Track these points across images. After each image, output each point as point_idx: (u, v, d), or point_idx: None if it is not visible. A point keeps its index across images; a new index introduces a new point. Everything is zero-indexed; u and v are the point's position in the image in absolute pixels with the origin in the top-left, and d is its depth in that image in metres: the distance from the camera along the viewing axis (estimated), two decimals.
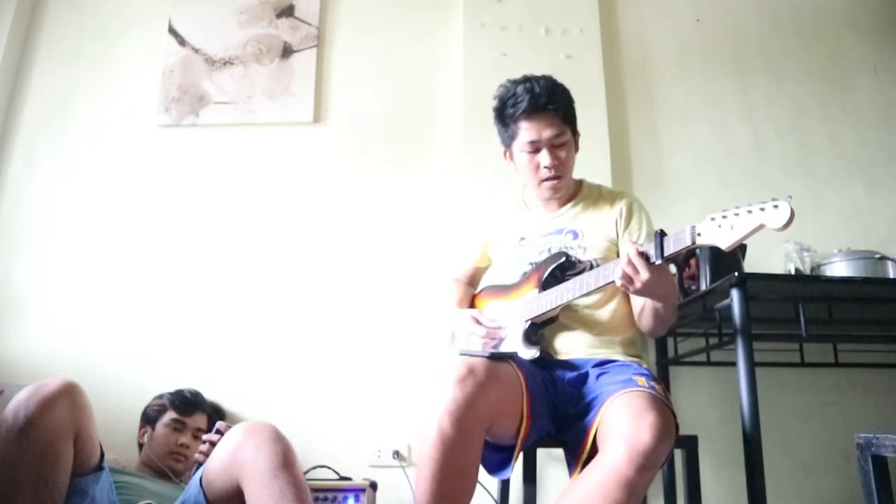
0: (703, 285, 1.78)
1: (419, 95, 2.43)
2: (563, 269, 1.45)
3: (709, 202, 2.26)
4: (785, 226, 1.06)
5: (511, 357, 1.35)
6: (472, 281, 1.77)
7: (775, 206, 1.08)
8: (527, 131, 1.49)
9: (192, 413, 1.83)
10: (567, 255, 1.46)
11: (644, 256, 1.22)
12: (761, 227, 1.09)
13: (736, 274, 1.49)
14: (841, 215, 2.28)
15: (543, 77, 1.51)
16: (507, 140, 1.56)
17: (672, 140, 2.38)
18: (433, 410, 1.15)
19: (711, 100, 2.42)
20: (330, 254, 2.26)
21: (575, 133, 1.55)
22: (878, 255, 1.85)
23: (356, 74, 2.47)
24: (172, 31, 2.51)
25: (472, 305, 1.69)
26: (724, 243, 1.13)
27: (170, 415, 1.80)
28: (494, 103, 1.55)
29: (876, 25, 2.55)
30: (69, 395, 1.18)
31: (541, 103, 1.46)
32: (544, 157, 1.48)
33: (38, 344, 2.18)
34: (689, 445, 1.43)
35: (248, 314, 2.20)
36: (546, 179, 1.51)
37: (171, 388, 1.91)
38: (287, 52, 2.47)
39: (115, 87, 2.48)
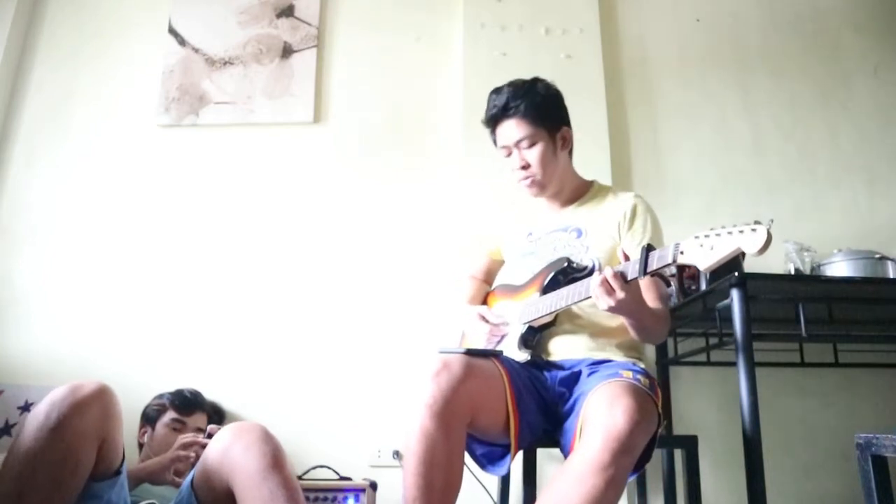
0: (703, 285, 1.78)
1: (419, 95, 2.43)
2: (565, 274, 1.45)
3: (709, 202, 2.28)
4: (761, 251, 1.06)
5: (494, 354, 1.36)
6: (489, 275, 1.79)
7: (753, 230, 1.07)
8: (499, 137, 1.57)
9: (192, 413, 1.84)
10: (569, 260, 1.47)
11: (621, 277, 1.23)
12: (738, 251, 1.09)
13: (736, 274, 1.49)
14: (841, 215, 2.28)
15: (512, 84, 1.55)
16: (495, 145, 1.62)
17: (672, 140, 2.38)
18: (414, 407, 1.19)
19: (711, 99, 2.43)
20: (330, 254, 2.26)
21: (557, 129, 1.55)
22: (878, 255, 1.84)
23: (356, 74, 2.47)
24: (172, 30, 2.51)
25: (484, 303, 1.70)
26: (703, 264, 1.13)
27: (170, 414, 1.80)
28: None
29: (876, 25, 2.55)
30: (103, 400, 1.16)
31: (500, 111, 1.53)
32: (514, 159, 1.55)
33: (38, 344, 2.17)
34: (689, 445, 1.43)
35: (248, 314, 2.20)
36: (521, 180, 1.56)
37: (171, 388, 1.91)
38: (287, 52, 2.47)
39: (115, 87, 2.48)
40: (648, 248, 1.22)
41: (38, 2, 2.60)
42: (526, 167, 1.53)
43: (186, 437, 1.54)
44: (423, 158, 2.36)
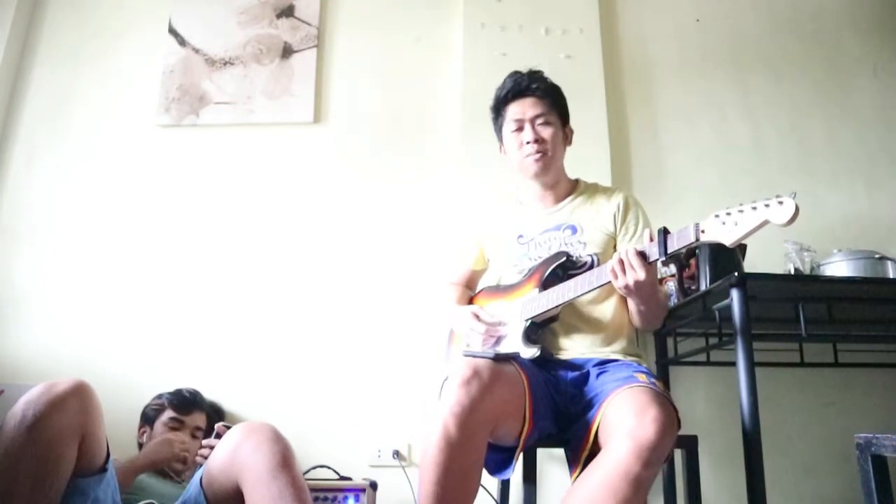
0: (703, 285, 1.78)
1: (419, 95, 2.43)
2: (564, 269, 1.45)
3: (709, 201, 2.24)
4: (789, 221, 1.08)
5: (514, 358, 1.34)
6: (470, 284, 1.76)
7: (780, 203, 1.09)
8: (511, 111, 1.59)
9: (191, 412, 1.84)
10: (568, 255, 1.47)
11: (642, 256, 1.23)
12: (766, 223, 1.10)
13: (736, 274, 1.49)
14: (841, 215, 2.28)
15: (532, 69, 1.62)
16: (499, 130, 1.64)
17: (672, 140, 2.38)
18: (438, 412, 1.14)
19: (711, 100, 2.43)
20: (330, 254, 2.26)
21: (564, 123, 1.62)
22: (878, 255, 1.84)
23: (356, 74, 2.47)
24: (172, 30, 2.51)
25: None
26: (728, 240, 1.14)
27: (168, 414, 1.80)
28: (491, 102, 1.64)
29: (876, 25, 2.55)
30: (79, 396, 1.16)
31: (523, 86, 1.58)
32: (527, 133, 1.56)
33: (38, 344, 2.17)
34: (689, 445, 1.43)
35: (247, 314, 2.20)
36: (530, 155, 1.56)
37: (171, 388, 1.90)
38: (287, 52, 2.47)
39: (115, 87, 2.48)
40: (664, 231, 1.22)
41: (38, 2, 2.60)
42: (539, 141, 1.55)
43: (174, 437, 1.59)
44: (423, 158, 2.35)
